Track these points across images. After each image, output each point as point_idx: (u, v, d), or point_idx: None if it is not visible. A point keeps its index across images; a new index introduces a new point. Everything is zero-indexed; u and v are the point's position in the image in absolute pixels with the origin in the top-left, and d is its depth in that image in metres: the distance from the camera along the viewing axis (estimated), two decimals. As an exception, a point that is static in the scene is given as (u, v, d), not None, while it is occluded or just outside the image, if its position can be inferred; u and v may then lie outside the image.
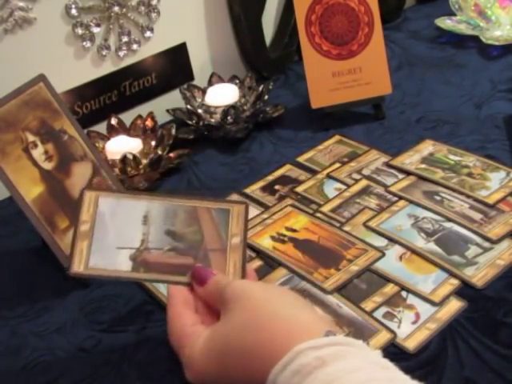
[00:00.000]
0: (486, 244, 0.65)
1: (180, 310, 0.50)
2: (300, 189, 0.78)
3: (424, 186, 0.74)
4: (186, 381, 0.48)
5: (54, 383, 0.57)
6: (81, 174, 0.68)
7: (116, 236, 0.54)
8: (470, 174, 0.75)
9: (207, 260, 0.54)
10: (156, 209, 0.56)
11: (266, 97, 0.92)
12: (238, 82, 0.96)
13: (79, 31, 0.84)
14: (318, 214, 0.72)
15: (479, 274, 0.61)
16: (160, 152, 0.83)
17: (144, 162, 0.82)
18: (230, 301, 0.47)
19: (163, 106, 0.93)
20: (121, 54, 0.90)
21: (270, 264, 0.66)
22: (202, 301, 0.52)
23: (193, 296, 0.52)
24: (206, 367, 0.46)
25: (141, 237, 0.55)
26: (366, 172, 0.79)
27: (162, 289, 0.65)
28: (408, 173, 0.77)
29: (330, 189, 0.77)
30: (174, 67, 0.97)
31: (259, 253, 0.68)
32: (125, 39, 0.90)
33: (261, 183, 0.80)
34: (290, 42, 1.07)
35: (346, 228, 0.70)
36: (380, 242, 0.67)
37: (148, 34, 0.92)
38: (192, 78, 0.99)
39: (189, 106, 0.91)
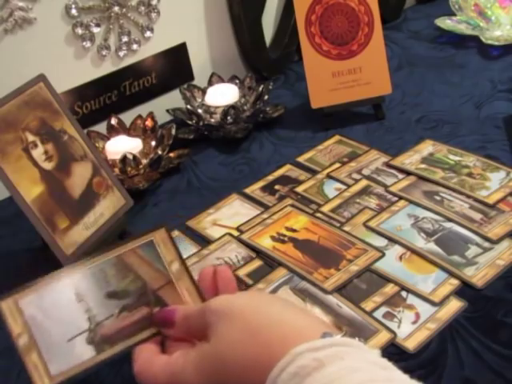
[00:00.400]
0: (486, 244, 0.65)
1: (150, 364, 0.48)
2: (300, 189, 0.78)
3: (424, 186, 0.74)
4: None
5: (53, 383, 0.57)
6: (81, 174, 0.68)
7: (60, 330, 0.49)
8: (469, 174, 0.75)
9: (161, 300, 0.51)
10: (82, 280, 0.50)
11: (266, 97, 0.92)
12: (237, 81, 0.96)
13: (79, 31, 0.84)
14: (318, 214, 0.72)
15: (479, 274, 0.61)
16: (160, 152, 0.83)
17: (144, 161, 0.82)
18: (214, 322, 0.45)
19: (163, 106, 0.93)
20: (121, 53, 0.90)
21: (270, 264, 0.66)
22: (173, 339, 0.49)
23: (157, 346, 0.49)
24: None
25: (85, 316, 0.49)
26: (365, 172, 0.79)
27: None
28: (408, 173, 0.77)
29: (330, 189, 0.77)
30: (174, 67, 0.97)
31: (259, 253, 0.68)
32: (125, 39, 0.90)
33: (261, 183, 0.80)
34: (289, 41, 1.07)
35: (346, 228, 0.70)
36: (380, 241, 0.67)
37: (148, 33, 0.92)
38: (192, 78, 0.99)
39: (189, 106, 0.91)
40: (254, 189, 0.79)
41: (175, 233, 0.73)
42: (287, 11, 1.06)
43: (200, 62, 1.00)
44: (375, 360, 0.40)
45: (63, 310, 0.49)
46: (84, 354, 0.48)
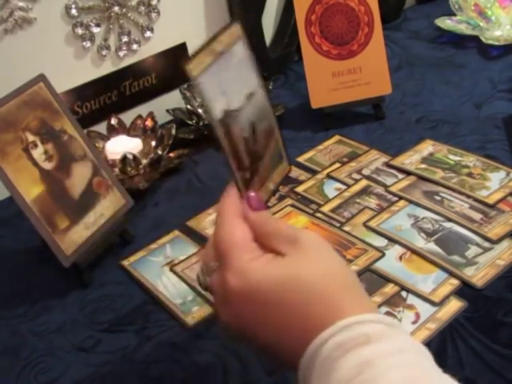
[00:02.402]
0: (486, 244, 0.65)
1: (234, 217, 0.45)
2: (300, 189, 0.78)
3: (424, 186, 0.74)
4: (187, 378, 0.47)
5: (53, 383, 0.57)
6: (81, 174, 0.68)
7: (228, 81, 0.52)
8: (469, 174, 0.75)
9: (252, 178, 0.51)
10: (260, 97, 0.54)
11: (266, 97, 0.92)
12: (238, 81, 0.95)
13: (79, 31, 0.84)
14: (318, 214, 0.72)
15: (479, 274, 0.61)
16: (160, 152, 0.83)
17: (144, 161, 0.82)
18: (305, 244, 0.43)
19: (163, 106, 0.93)
20: (121, 53, 0.90)
21: (270, 264, 0.66)
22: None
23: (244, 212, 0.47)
24: (260, 286, 0.41)
25: (239, 105, 0.52)
26: (365, 172, 0.79)
27: (161, 288, 0.65)
28: (408, 173, 0.77)
29: (330, 189, 0.77)
30: (174, 67, 0.96)
31: (259, 253, 0.68)
32: (125, 39, 0.90)
33: (261, 183, 0.80)
34: (289, 41, 1.07)
35: (346, 228, 0.70)
36: (380, 242, 0.67)
37: (148, 34, 0.92)
38: (192, 78, 0.99)
39: (189, 106, 0.91)
40: (254, 189, 0.79)
41: (175, 233, 0.73)
42: (287, 11, 1.06)
43: (200, 62, 1.00)
44: (418, 347, 0.39)
45: (241, 82, 0.52)
46: (217, 109, 0.50)
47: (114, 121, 0.87)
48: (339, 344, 0.38)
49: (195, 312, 0.62)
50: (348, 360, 0.37)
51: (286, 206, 0.74)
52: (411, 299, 0.60)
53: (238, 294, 0.42)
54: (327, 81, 0.88)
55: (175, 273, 0.67)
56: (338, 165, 0.81)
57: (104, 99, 0.90)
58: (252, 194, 0.49)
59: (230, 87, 0.51)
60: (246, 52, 0.53)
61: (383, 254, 0.65)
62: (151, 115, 0.88)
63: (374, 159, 0.81)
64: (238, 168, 0.50)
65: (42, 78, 0.67)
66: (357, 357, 0.37)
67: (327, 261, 0.44)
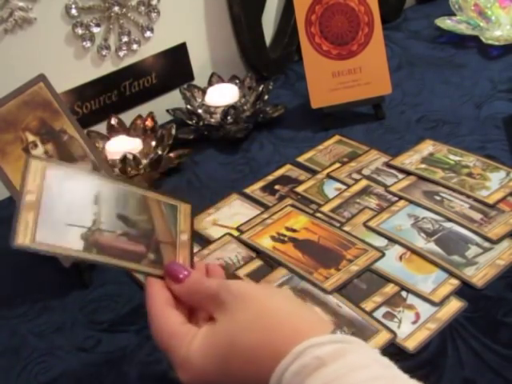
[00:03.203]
0: (486, 244, 0.65)
1: (165, 309, 0.48)
2: (300, 189, 0.78)
3: (424, 186, 0.74)
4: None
5: (53, 383, 0.57)
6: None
7: (65, 212, 0.49)
8: (469, 174, 0.75)
9: (158, 252, 0.52)
10: (107, 190, 0.52)
11: (266, 97, 0.92)
12: (237, 81, 0.96)
13: (79, 31, 0.84)
14: (318, 214, 0.72)
15: (479, 274, 0.61)
16: (160, 152, 0.83)
17: (144, 162, 0.82)
18: (228, 302, 0.46)
19: (163, 106, 0.93)
20: (121, 53, 0.90)
21: (270, 264, 0.66)
22: (179, 298, 0.50)
23: (170, 293, 0.50)
24: (206, 367, 0.45)
25: (92, 216, 0.50)
26: (365, 172, 0.79)
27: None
28: (408, 173, 0.77)
29: (330, 189, 0.77)
30: (174, 67, 0.97)
31: (259, 253, 0.68)
32: (125, 39, 0.90)
33: (261, 183, 0.80)
34: (289, 41, 1.07)
35: (346, 228, 0.70)
36: (380, 242, 0.67)
37: (148, 34, 0.92)
38: (192, 78, 0.99)
39: (189, 106, 0.91)
40: (254, 189, 0.79)
41: (175, 233, 0.73)
42: (287, 11, 1.06)
43: (200, 62, 1.00)
44: (376, 357, 0.40)
45: (78, 200, 0.50)
46: (73, 243, 0.48)
47: (114, 121, 0.87)
48: (296, 372, 0.39)
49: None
50: None
51: (286, 206, 0.74)
52: (411, 299, 0.60)
53: (191, 380, 0.46)
54: (327, 81, 0.88)
55: (175, 273, 0.67)
56: (337, 165, 0.81)
57: (104, 99, 0.90)
58: (164, 269, 0.51)
59: (71, 213, 0.50)
60: (61, 170, 0.51)
61: (383, 254, 0.65)
62: (151, 115, 0.88)
63: (374, 159, 0.81)
64: (139, 259, 0.51)
65: (42, 78, 0.67)
66: (316, 381, 0.38)
67: (257, 306, 0.45)
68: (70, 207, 0.50)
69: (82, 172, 0.53)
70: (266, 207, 0.75)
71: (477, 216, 0.69)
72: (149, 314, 0.48)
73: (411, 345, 0.55)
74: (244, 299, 0.46)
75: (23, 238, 0.47)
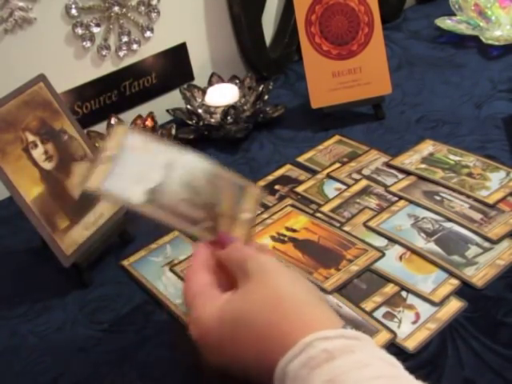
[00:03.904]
0: (486, 244, 0.65)
1: (199, 270, 0.50)
2: (300, 189, 0.78)
3: (424, 186, 0.74)
4: (187, 378, 0.48)
5: (53, 383, 0.57)
6: (81, 174, 0.68)
7: (136, 171, 0.54)
8: (470, 174, 0.75)
9: (216, 222, 0.54)
10: (183, 161, 0.56)
11: (266, 97, 0.92)
12: (238, 82, 0.96)
13: (79, 31, 0.84)
14: (318, 214, 0.72)
15: (479, 274, 0.61)
16: (160, 152, 0.83)
17: (144, 161, 0.82)
18: (252, 273, 0.46)
19: (163, 106, 0.93)
20: (121, 53, 0.90)
21: (270, 264, 0.66)
22: (221, 263, 0.51)
23: (214, 258, 0.51)
24: (215, 331, 0.46)
25: (159, 178, 0.54)
26: (365, 172, 0.79)
27: (161, 288, 0.65)
28: (408, 173, 0.77)
29: (330, 189, 0.77)
30: (174, 67, 0.97)
31: (259, 253, 0.68)
32: (125, 39, 0.90)
33: (261, 183, 0.80)
34: (289, 41, 1.07)
35: (346, 228, 0.70)
36: (380, 242, 0.67)
37: (148, 34, 0.92)
38: (192, 77, 0.99)
39: (189, 106, 0.91)
40: (254, 189, 0.79)
41: (175, 233, 0.73)
42: (287, 11, 1.06)
43: (200, 61, 1.00)
44: (384, 356, 0.40)
45: (150, 162, 0.55)
46: (136, 196, 0.52)
47: (113, 121, 0.87)
48: (303, 363, 0.39)
49: (195, 312, 0.62)
50: (314, 379, 0.38)
51: (286, 206, 0.74)
52: (411, 299, 0.60)
53: (198, 340, 0.47)
54: (327, 81, 0.88)
55: (175, 273, 0.67)
56: (337, 165, 0.81)
57: (104, 99, 0.90)
58: (217, 235, 0.53)
59: (141, 173, 0.54)
60: (141, 137, 0.56)
61: (383, 254, 0.65)
62: (151, 115, 0.88)
63: (374, 159, 0.81)
64: (194, 223, 0.53)
65: (42, 78, 0.67)
66: (322, 374, 0.38)
67: (276, 284, 0.45)
68: (141, 167, 0.54)
69: (159, 141, 0.56)
70: (265, 207, 0.75)
71: (477, 216, 0.69)
72: (186, 274, 0.51)
73: (411, 345, 0.55)
74: (267, 274, 0.46)
75: (93, 182, 0.52)
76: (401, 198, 0.73)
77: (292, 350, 0.40)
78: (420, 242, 0.66)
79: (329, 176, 0.79)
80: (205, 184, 0.55)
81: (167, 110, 0.93)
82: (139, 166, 0.54)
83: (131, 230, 0.74)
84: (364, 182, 0.77)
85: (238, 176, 0.58)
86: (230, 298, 0.47)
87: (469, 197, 0.72)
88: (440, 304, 0.59)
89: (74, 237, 0.65)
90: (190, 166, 0.56)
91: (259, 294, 0.45)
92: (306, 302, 0.44)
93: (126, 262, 0.70)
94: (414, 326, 0.57)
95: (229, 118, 0.88)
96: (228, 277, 0.50)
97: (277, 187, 0.79)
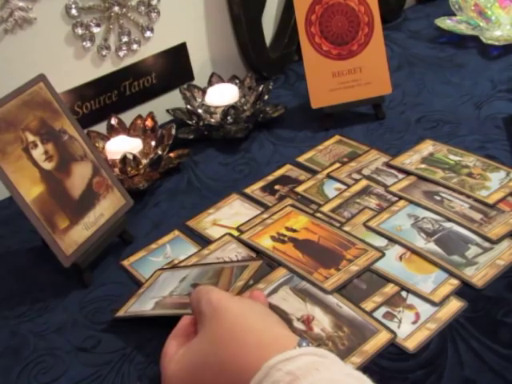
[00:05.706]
0: (486, 244, 0.65)
1: (173, 338, 0.52)
2: (300, 189, 0.78)
3: (424, 186, 0.74)
4: None
5: (53, 383, 0.57)
6: (81, 174, 0.68)
7: (156, 291, 0.62)
8: (470, 174, 0.75)
9: None
10: (195, 272, 0.62)
11: (266, 97, 0.92)
12: (237, 82, 0.96)
13: (79, 31, 0.84)
14: (318, 214, 0.72)
15: (479, 274, 0.61)
16: (160, 152, 0.83)
17: (144, 162, 0.82)
18: (205, 313, 0.48)
19: (163, 106, 0.94)
20: (121, 54, 0.90)
21: (270, 264, 0.66)
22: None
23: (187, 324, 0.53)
24: (181, 379, 0.47)
25: (172, 289, 0.61)
26: (365, 172, 0.79)
27: (162, 289, 0.65)
28: (408, 173, 0.77)
29: (330, 189, 0.77)
30: (174, 67, 0.97)
31: (259, 253, 0.68)
32: (125, 39, 0.90)
33: (261, 183, 0.80)
34: (289, 41, 1.07)
35: (346, 228, 0.70)
36: (380, 241, 0.67)
37: (148, 33, 0.92)
38: (192, 77, 0.99)
39: (189, 106, 0.91)
40: (254, 189, 0.79)
41: (175, 233, 0.73)
42: (287, 11, 1.06)
43: (200, 61, 1.00)
44: (351, 372, 0.39)
45: (170, 282, 0.63)
46: (147, 306, 0.60)
47: (113, 121, 0.87)
48: None
49: (195, 312, 0.62)
50: None
51: (286, 206, 0.74)
52: (411, 299, 0.60)
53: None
54: (327, 81, 0.88)
55: (175, 273, 0.67)
56: (338, 165, 0.81)
57: (104, 99, 0.90)
58: None
59: (159, 291, 0.62)
60: (167, 274, 0.65)
61: (383, 254, 0.65)
62: (151, 115, 0.88)
63: (374, 159, 0.81)
64: (185, 307, 0.57)
65: (42, 77, 0.67)
66: None
67: (229, 321, 0.46)
68: (161, 287, 0.62)
69: (186, 267, 0.65)
70: (266, 207, 0.75)
71: (477, 216, 0.69)
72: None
73: (411, 345, 0.55)
74: (220, 312, 0.47)
75: (122, 312, 0.62)
76: (401, 198, 0.73)
77: (255, 378, 0.40)
78: (420, 242, 0.66)
79: (329, 176, 0.79)
80: (207, 279, 0.60)
81: (167, 110, 0.93)
82: (160, 288, 0.62)
83: (131, 230, 0.74)
84: (364, 182, 0.77)
85: (243, 260, 0.64)
86: (189, 345, 0.48)
87: (469, 197, 0.72)
88: (440, 304, 0.59)
89: (73, 237, 0.65)
90: (199, 273, 0.62)
91: (216, 333, 0.46)
92: (261, 330, 0.45)
93: (126, 262, 0.70)
94: (414, 326, 0.57)
95: (229, 118, 0.88)
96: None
97: (277, 187, 0.79)
